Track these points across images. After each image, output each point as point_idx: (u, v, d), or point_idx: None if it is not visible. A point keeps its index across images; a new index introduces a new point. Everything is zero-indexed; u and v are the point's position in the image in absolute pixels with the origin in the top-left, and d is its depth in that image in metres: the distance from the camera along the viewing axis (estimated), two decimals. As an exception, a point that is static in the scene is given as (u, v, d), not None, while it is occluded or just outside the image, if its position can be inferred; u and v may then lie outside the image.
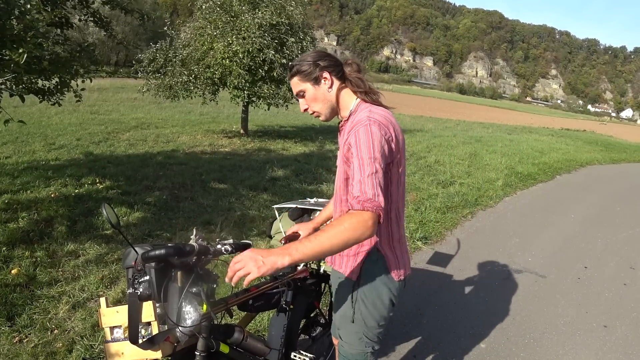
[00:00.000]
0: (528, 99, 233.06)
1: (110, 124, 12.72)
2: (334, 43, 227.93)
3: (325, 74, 1.86)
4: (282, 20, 11.49)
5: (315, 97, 1.88)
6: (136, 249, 1.69)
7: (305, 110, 1.93)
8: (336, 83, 1.90)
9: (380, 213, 1.58)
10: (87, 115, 13.40)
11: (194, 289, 1.73)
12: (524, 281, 4.72)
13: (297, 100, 1.95)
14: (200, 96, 12.09)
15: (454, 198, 7.32)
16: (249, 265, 1.49)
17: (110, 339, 1.85)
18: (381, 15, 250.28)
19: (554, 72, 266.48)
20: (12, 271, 3.99)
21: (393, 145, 1.75)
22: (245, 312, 2.39)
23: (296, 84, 1.89)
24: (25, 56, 3.56)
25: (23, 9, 3.81)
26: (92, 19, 5.99)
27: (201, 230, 1.72)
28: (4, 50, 3.72)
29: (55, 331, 3.30)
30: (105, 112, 15.12)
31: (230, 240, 1.90)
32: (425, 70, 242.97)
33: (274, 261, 1.49)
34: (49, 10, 4.78)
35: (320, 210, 2.48)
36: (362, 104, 1.87)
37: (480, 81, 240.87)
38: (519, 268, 5.04)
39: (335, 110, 1.94)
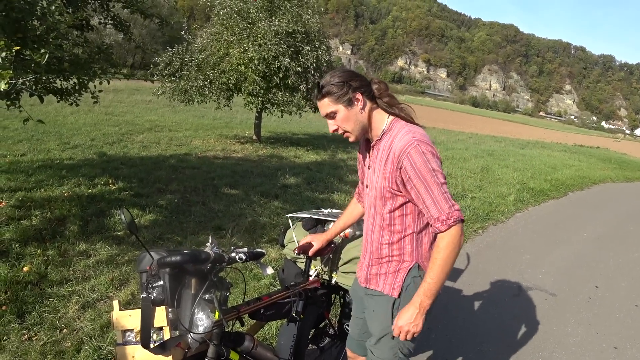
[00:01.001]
0: (541, 113, 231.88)
1: (124, 125, 12.83)
2: (349, 52, 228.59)
3: (358, 96, 1.86)
4: (298, 28, 11.55)
5: (347, 118, 1.88)
6: (152, 254, 1.70)
7: (335, 130, 1.92)
8: (367, 104, 1.89)
9: (462, 217, 1.78)
10: (102, 116, 13.54)
11: (207, 296, 1.74)
12: (534, 299, 4.68)
13: (326, 120, 1.95)
14: (214, 101, 12.17)
15: (465, 212, 7.27)
16: (418, 322, 1.83)
17: (121, 342, 1.86)
18: (396, 25, 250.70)
19: (568, 87, 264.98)
20: (24, 268, 4.03)
21: (440, 157, 1.84)
22: (256, 321, 2.39)
23: (327, 105, 1.88)
24: (46, 57, 3.61)
25: (45, 10, 3.87)
26: (111, 22, 6.07)
27: (215, 238, 1.73)
28: (25, 50, 3.77)
29: (65, 330, 3.32)
30: (120, 113, 15.28)
31: (245, 249, 1.92)
32: (438, 82, 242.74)
33: (424, 308, 1.82)
34: (71, 12, 4.85)
35: (334, 221, 2.48)
36: (395, 122, 1.90)
37: (494, 94, 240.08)
38: (530, 285, 5.00)
39: (365, 130, 1.94)
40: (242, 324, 2.06)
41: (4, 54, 3.13)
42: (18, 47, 3.37)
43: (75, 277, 4.04)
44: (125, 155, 9.07)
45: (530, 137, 32.68)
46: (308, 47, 11.73)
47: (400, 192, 1.85)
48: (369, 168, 2.02)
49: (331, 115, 1.89)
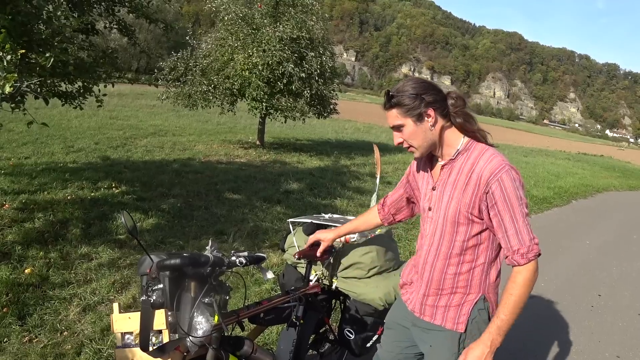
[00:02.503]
0: (545, 121, 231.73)
1: (128, 129, 12.88)
2: (353, 58, 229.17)
3: (430, 112, 1.72)
4: (303, 34, 11.60)
5: (415, 134, 1.75)
6: (152, 257, 1.70)
7: (400, 144, 1.81)
8: (440, 121, 1.76)
9: (540, 252, 1.71)
10: (106, 120, 13.59)
11: (207, 299, 1.74)
12: (536, 306, 4.66)
13: (392, 130, 1.82)
14: (218, 106, 12.21)
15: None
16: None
17: (121, 345, 1.87)
18: (401, 32, 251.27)
19: (572, 95, 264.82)
20: (26, 270, 4.04)
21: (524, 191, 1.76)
22: (256, 325, 2.39)
23: (394, 117, 1.75)
24: (51, 60, 3.63)
25: (51, 14, 3.90)
26: (116, 26, 6.11)
27: (216, 242, 1.73)
28: (30, 54, 3.80)
29: (65, 333, 3.32)
30: (124, 117, 15.33)
31: (245, 253, 1.92)
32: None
33: (495, 346, 1.72)
34: (76, 16, 4.88)
35: (335, 226, 2.47)
36: (473, 143, 1.78)
37: (498, 102, 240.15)
38: (532, 293, 4.97)
39: (434, 147, 1.81)
40: (242, 329, 2.06)
41: (9, 57, 3.15)
42: (24, 51, 3.39)
43: (76, 279, 4.05)
44: (128, 159, 9.10)
45: (534, 145, 32.70)
46: (312, 53, 11.77)
47: (480, 218, 1.74)
48: (433, 189, 1.86)
49: (398, 128, 1.77)
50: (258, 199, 7.02)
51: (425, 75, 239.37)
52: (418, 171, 2.01)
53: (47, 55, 3.65)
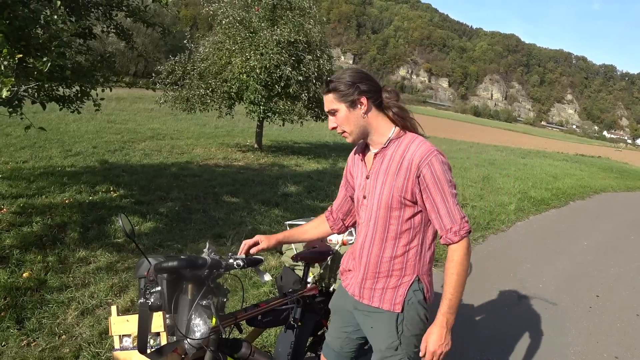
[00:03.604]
0: (543, 123, 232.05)
1: (126, 133, 12.88)
2: (350, 61, 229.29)
3: (363, 99, 1.83)
4: (300, 38, 11.62)
5: (347, 119, 1.85)
6: (149, 259, 1.71)
7: (334, 128, 1.90)
8: (372, 110, 1.86)
9: (471, 229, 1.83)
10: (104, 124, 13.60)
11: (204, 302, 1.75)
12: (534, 308, 4.67)
13: (327, 115, 1.93)
14: (216, 109, 12.22)
15: (466, 221, 7.27)
16: (448, 341, 1.81)
17: (118, 347, 1.86)
18: (398, 35, 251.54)
19: (569, 97, 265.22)
20: (24, 274, 4.03)
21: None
22: (253, 327, 2.39)
23: (330, 101, 1.86)
24: (49, 65, 3.63)
25: (49, 19, 3.90)
26: (114, 30, 6.11)
27: (213, 244, 1.73)
28: (28, 58, 3.80)
29: (63, 336, 3.32)
30: (122, 121, 15.33)
31: (243, 255, 1.92)
32: (440, 92, 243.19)
33: (450, 325, 1.82)
34: (74, 21, 4.89)
35: None
36: (404, 133, 1.89)
37: (495, 104, 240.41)
38: (530, 294, 4.98)
39: (365, 135, 1.90)
40: (240, 331, 2.06)
41: (6, 62, 3.15)
42: (21, 55, 3.40)
43: (74, 283, 4.04)
44: (126, 163, 9.10)
45: (532, 147, 32.73)
46: (309, 57, 11.79)
47: (412, 202, 1.82)
48: (367, 178, 1.94)
49: (332, 112, 1.87)
50: (256, 202, 7.03)
51: (423, 77, 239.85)
52: (353, 166, 2.09)
53: (45, 59, 3.65)
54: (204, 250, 1.81)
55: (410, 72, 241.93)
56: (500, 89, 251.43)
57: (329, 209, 2.30)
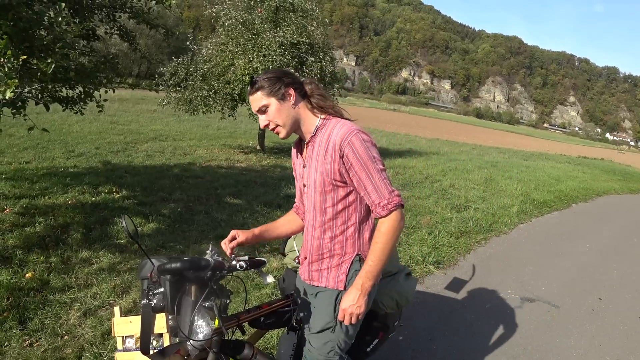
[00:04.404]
0: (545, 125, 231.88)
1: (129, 134, 12.90)
2: (353, 63, 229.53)
3: (290, 91, 1.92)
4: (303, 39, 11.63)
5: (279, 112, 1.92)
6: (152, 260, 1.71)
7: (266, 126, 1.96)
8: (299, 100, 1.96)
9: (402, 203, 1.88)
10: (107, 125, 13.62)
11: (207, 303, 1.74)
12: (536, 310, 4.66)
13: (257, 115, 1.99)
14: (219, 111, 12.23)
15: (468, 223, 7.27)
16: (361, 304, 1.91)
17: (121, 348, 1.87)
18: (400, 37, 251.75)
19: (572, 99, 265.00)
20: (27, 275, 4.05)
21: (378, 150, 1.92)
22: (256, 329, 2.39)
23: (259, 99, 1.92)
24: (52, 66, 3.64)
25: (53, 20, 3.92)
26: (117, 32, 6.13)
27: (216, 245, 1.73)
28: (31, 59, 3.81)
29: (66, 337, 3.33)
30: (124, 122, 15.36)
31: (246, 257, 1.92)
32: (442, 93, 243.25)
33: (366, 290, 1.91)
34: (78, 22, 4.90)
35: None
36: (329, 120, 1.97)
37: (498, 106, 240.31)
38: (532, 297, 4.97)
39: (297, 125, 1.99)
40: (243, 333, 2.06)
41: (9, 64, 3.16)
42: (25, 57, 3.41)
43: (77, 284, 4.05)
44: (129, 164, 9.11)
45: (534, 149, 32.70)
46: (312, 58, 11.80)
47: (342, 182, 1.92)
48: (304, 167, 2.08)
49: (262, 110, 1.93)
50: (259, 203, 7.03)
51: (426, 79, 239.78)
52: (295, 159, 2.21)
53: (49, 61, 3.66)
54: (207, 252, 1.81)
55: (412, 74, 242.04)
56: (503, 91, 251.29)
57: (296, 203, 2.40)
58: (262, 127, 1.98)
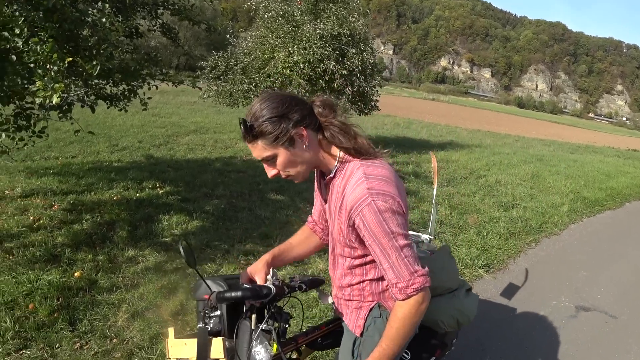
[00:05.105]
0: (591, 115, 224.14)
1: (170, 127, 13.04)
2: (390, 52, 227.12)
3: (301, 131, 1.52)
4: (344, 31, 11.45)
5: (290, 162, 1.56)
6: (211, 287, 1.64)
7: (275, 176, 1.62)
8: (314, 137, 1.58)
9: (426, 284, 1.56)
10: (149, 117, 13.79)
11: (266, 327, 1.66)
12: (592, 321, 4.43)
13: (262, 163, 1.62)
14: (259, 104, 12.21)
15: (517, 223, 7.00)
16: None
17: (176, 371, 1.81)
18: (439, 25, 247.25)
19: (619, 87, 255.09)
20: (75, 274, 4.08)
21: (403, 210, 1.55)
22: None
23: (261, 149, 1.53)
24: (98, 69, 3.63)
25: (97, 21, 3.91)
26: (160, 29, 6.13)
27: (277, 272, 1.63)
28: (76, 57, 3.80)
29: (115, 340, 3.33)
30: (165, 114, 15.54)
31: (305, 278, 1.85)
32: (482, 82, 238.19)
33: None
34: (122, 21, 4.90)
35: None
36: (349, 159, 1.60)
37: (540, 95, 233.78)
38: (587, 305, 4.74)
39: (315, 166, 1.65)
40: (300, 354, 1.98)
41: (55, 67, 3.15)
42: (71, 59, 3.40)
43: (124, 284, 4.07)
44: (171, 157, 9.18)
45: (580, 141, 31.52)
46: (353, 50, 11.61)
47: (361, 242, 1.62)
48: (326, 202, 1.77)
49: (268, 160, 1.57)
50: (301, 200, 6.94)
51: (465, 68, 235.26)
52: (315, 181, 1.86)
53: (94, 63, 3.65)
54: (268, 277, 1.73)
55: (451, 62, 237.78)
56: (546, 80, 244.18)
57: (310, 219, 2.08)
58: (270, 176, 1.61)
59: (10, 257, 4.27)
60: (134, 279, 4.17)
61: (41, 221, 5.11)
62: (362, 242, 1.60)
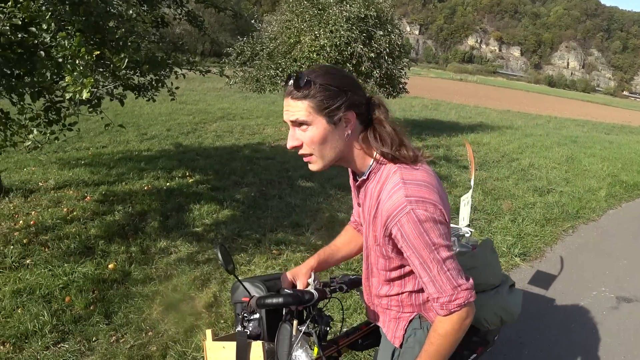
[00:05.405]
0: (625, 93, 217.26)
1: (197, 114, 13.07)
2: (416, 32, 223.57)
3: (350, 116, 1.39)
4: (371, 13, 11.22)
5: (323, 139, 1.39)
6: (250, 290, 1.59)
7: (295, 147, 1.44)
8: (357, 128, 1.44)
9: (471, 299, 1.43)
10: (176, 105, 13.84)
11: (306, 330, 1.61)
12: (635, 313, 4.25)
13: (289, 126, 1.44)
14: (287, 89, 12.11)
15: (553, 209, 6.79)
16: None
17: (214, 374, 1.77)
18: (466, 3, 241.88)
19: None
20: (109, 266, 4.11)
21: (445, 218, 1.40)
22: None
23: (301, 110, 1.37)
24: (125, 61, 3.60)
25: (123, 11, 3.87)
26: (185, 17, 6.08)
27: (318, 275, 1.56)
28: (103, 49, 3.78)
29: (150, 333, 3.34)
30: (192, 102, 15.59)
31: (346, 278, 1.79)
32: (511, 61, 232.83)
33: None
34: (147, 11, 4.86)
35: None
36: (386, 164, 1.45)
37: (572, 73, 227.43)
38: (629, 296, 4.56)
39: (339, 161, 1.48)
40: (340, 355, 1.93)
41: (83, 61, 3.12)
42: (98, 52, 3.37)
43: (157, 275, 4.08)
44: (200, 145, 9.20)
45: (615, 121, 30.49)
46: (380, 32, 11.38)
47: (398, 253, 1.49)
48: (359, 205, 1.61)
49: (299, 124, 1.39)
50: (332, 186, 6.86)
51: (493, 46, 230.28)
52: (352, 186, 1.66)
53: (122, 55, 3.62)
54: (310, 281, 1.66)
55: (479, 41, 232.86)
56: (578, 57, 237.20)
57: (352, 219, 1.95)
58: (289, 147, 1.43)
59: (46, 249, 4.32)
60: (167, 271, 4.18)
61: (74, 213, 5.17)
62: (399, 252, 1.47)
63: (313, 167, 1.47)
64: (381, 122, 1.45)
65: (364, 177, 1.49)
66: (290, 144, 1.43)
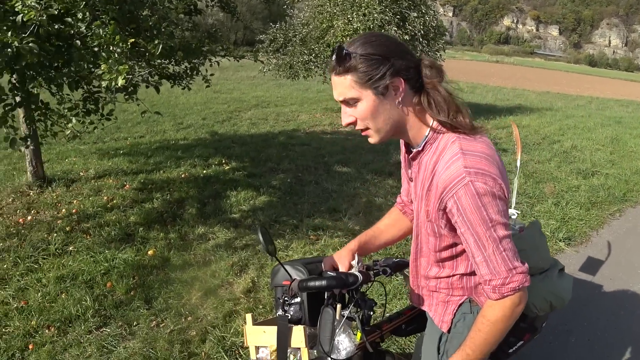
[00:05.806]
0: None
1: (232, 102, 13.13)
2: (450, 14, 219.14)
3: (399, 82, 1.30)
4: (404, -6, 11.01)
5: (375, 112, 1.32)
6: (291, 273, 1.54)
7: (350, 124, 1.38)
8: (410, 96, 1.34)
9: (526, 283, 1.33)
10: (211, 94, 13.94)
11: (349, 315, 1.56)
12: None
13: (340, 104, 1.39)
14: (320, 75, 12.01)
15: (599, 192, 6.52)
16: None
17: (254, 358, 1.75)
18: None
19: None
20: (149, 252, 4.17)
21: (505, 194, 1.31)
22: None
23: (347, 86, 1.30)
24: (160, 47, 3.60)
25: (156, 1, 3.88)
26: (218, 4, 6.06)
27: (362, 258, 1.51)
28: (138, 39, 3.79)
29: (189, 318, 3.37)
30: (227, 90, 15.67)
31: (390, 261, 1.73)
32: (549, 41, 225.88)
33: None
34: (181, -1, 4.86)
35: None
36: (444, 134, 1.35)
37: (614, 51, 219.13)
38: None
39: (396, 132, 1.40)
40: (382, 340, 1.87)
41: (119, 49, 3.13)
42: (133, 40, 3.38)
43: (195, 261, 4.11)
44: (235, 133, 9.23)
45: (661, 99, 29.26)
46: (415, 14, 11.14)
47: (451, 229, 1.39)
48: (411, 180, 1.54)
49: (350, 102, 1.34)
50: (368, 171, 6.78)
51: (530, 26, 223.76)
52: (403, 162, 1.63)
53: (156, 42, 3.63)
54: (353, 263, 1.61)
55: (515, 21, 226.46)
56: (620, 34, 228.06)
57: (399, 199, 1.85)
58: (344, 124, 1.38)
59: (88, 237, 4.41)
60: (205, 256, 4.20)
61: (114, 201, 5.26)
62: (452, 229, 1.39)
63: (372, 140, 1.41)
64: (435, 86, 1.34)
65: (419, 149, 1.41)
66: (344, 121, 1.38)
